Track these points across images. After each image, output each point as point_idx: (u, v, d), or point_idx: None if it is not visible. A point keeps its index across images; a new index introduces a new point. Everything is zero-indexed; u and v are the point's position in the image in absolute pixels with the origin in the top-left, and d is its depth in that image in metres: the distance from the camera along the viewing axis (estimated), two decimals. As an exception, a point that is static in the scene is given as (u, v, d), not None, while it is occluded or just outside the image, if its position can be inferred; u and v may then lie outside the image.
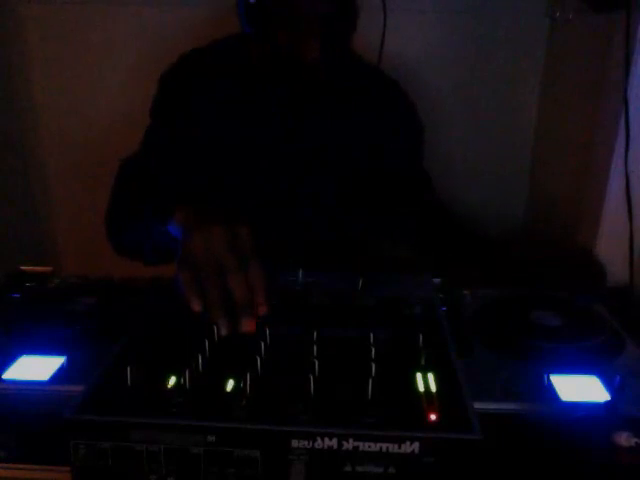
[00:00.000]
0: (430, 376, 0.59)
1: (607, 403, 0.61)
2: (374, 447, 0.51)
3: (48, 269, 0.96)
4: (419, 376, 0.59)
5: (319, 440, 0.51)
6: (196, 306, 0.69)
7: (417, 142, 1.13)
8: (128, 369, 0.57)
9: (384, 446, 0.51)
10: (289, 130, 1.02)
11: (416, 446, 0.50)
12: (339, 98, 1.03)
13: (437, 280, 0.87)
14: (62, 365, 0.68)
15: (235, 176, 1.02)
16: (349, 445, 0.51)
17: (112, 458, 0.52)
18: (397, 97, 1.10)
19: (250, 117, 1.01)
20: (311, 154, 1.03)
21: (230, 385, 0.57)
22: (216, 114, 1.00)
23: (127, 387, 0.56)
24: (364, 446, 0.51)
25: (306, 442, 0.51)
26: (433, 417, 0.53)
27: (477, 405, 0.56)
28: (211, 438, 0.52)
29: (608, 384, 0.65)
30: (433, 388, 0.57)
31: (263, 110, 1.01)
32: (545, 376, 0.65)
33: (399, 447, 0.50)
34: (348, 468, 0.51)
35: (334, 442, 0.51)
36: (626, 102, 0.97)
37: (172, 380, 0.58)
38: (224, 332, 0.67)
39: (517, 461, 0.59)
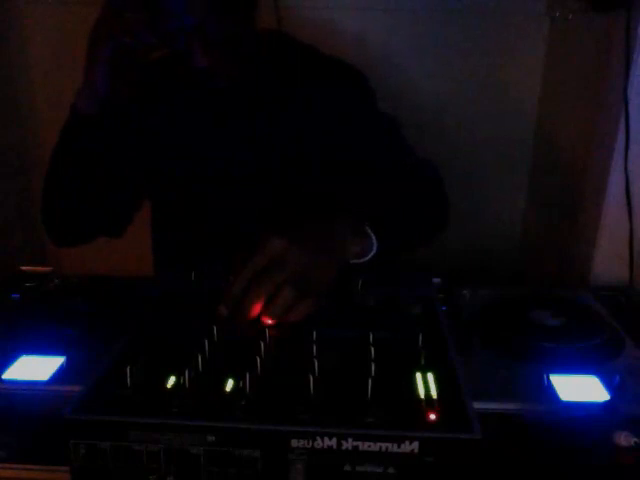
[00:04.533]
0: (430, 376, 0.59)
1: (607, 403, 0.61)
2: (374, 447, 0.51)
3: (48, 269, 0.96)
4: (419, 376, 0.59)
5: (319, 440, 0.51)
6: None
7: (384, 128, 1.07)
8: (128, 369, 0.57)
9: (384, 446, 0.51)
10: (249, 136, 1.00)
11: (416, 446, 0.50)
12: (298, 94, 1.00)
13: (437, 280, 0.87)
14: (62, 365, 0.68)
15: (206, 192, 1.02)
16: (349, 445, 0.51)
17: (112, 458, 0.52)
18: (360, 84, 1.05)
19: (207, 129, 1.00)
20: (283, 152, 1.01)
21: (230, 385, 0.57)
22: (172, 129, 1.00)
23: (127, 387, 0.56)
24: (364, 446, 0.51)
25: (306, 442, 0.51)
26: (433, 417, 0.53)
27: (477, 405, 0.56)
28: (211, 438, 0.52)
29: (608, 384, 0.65)
30: (433, 388, 0.57)
31: (219, 119, 1.00)
32: (545, 376, 0.65)
33: (399, 447, 0.50)
34: (348, 468, 0.51)
35: (334, 442, 0.51)
36: (626, 102, 0.97)
37: (172, 380, 0.58)
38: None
39: (517, 461, 0.59)
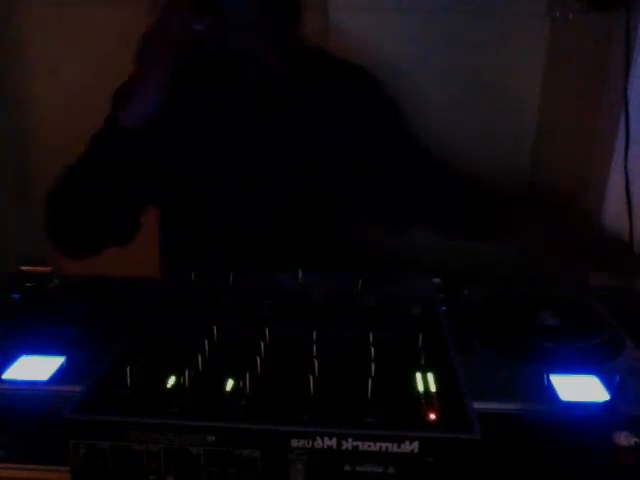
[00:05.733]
0: (430, 376, 0.59)
1: (607, 403, 0.61)
2: (374, 447, 0.51)
3: (48, 269, 0.96)
4: (419, 376, 0.59)
5: (319, 440, 0.51)
6: None
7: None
8: (128, 369, 0.57)
9: (384, 446, 0.51)
10: (264, 138, 1.01)
11: (416, 446, 0.50)
12: (311, 96, 1.01)
13: (437, 280, 0.87)
14: (62, 365, 0.68)
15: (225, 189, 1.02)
16: (349, 445, 0.51)
17: (112, 458, 0.52)
18: (371, 87, 1.08)
19: (225, 131, 1.00)
20: (296, 155, 1.02)
21: (230, 385, 0.57)
22: (194, 131, 0.99)
23: (127, 387, 0.56)
24: (364, 446, 0.51)
25: (306, 442, 0.51)
26: (433, 417, 0.53)
27: (477, 405, 0.56)
28: (211, 438, 0.52)
29: (608, 384, 0.65)
30: (433, 388, 0.57)
31: (237, 121, 1.00)
32: (545, 376, 0.65)
33: (399, 447, 0.50)
34: (348, 468, 0.51)
35: (334, 442, 0.51)
36: (626, 102, 0.97)
37: (172, 380, 0.58)
38: None
39: (517, 461, 0.59)
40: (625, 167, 1.00)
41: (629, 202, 1.01)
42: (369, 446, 0.51)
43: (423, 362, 0.61)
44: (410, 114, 1.07)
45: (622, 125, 0.99)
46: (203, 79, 0.95)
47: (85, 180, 0.93)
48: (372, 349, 0.63)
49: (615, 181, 1.03)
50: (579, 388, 0.64)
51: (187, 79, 0.97)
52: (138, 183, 0.95)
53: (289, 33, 0.95)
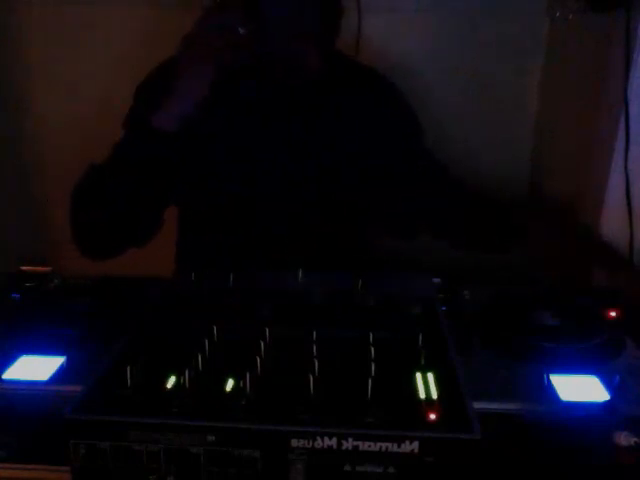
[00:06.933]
0: (430, 376, 0.59)
1: (607, 403, 0.61)
2: (374, 447, 0.51)
3: (48, 269, 0.96)
4: (419, 376, 0.59)
5: (319, 440, 0.51)
6: None
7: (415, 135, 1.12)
8: (128, 369, 0.57)
9: (384, 446, 0.51)
10: (287, 140, 1.02)
11: (416, 446, 0.50)
12: (335, 99, 1.03)
13: (437, 280, 0.87)
14: (62, 365, 0.68)
15: (235, 188, 1.02)
16: (349, 445, 0.51)
17: (112, 458, 0.52)
18: (394, 94, 1.10)
19: (253, 132, 1.00)
20: (313, 157, 1.03)
21: (230, 385, 0.57)
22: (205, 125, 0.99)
23: (127, 387, 0.56)
24: (364, 445, 0.51)
25: (306, 442, 0.51)
26: (433, 417, 0.53)
27: (477, 405, 0.56)
28: (211, 438, 0.52)
29: (608, 384, 0.65)
30: (433, 388, 0.57)
31: (263, 123, 1.00)
32: (545, 376, 0.65)
33: (399, 447, 0.50)
34: (348, 468, 0.51)
35: (334, 442, 0.51)
36: (626, 102, 0.97)
37: (172, 380, 0.58)
38: None
39: (517, 461, 0.59)
40: (625, 168, 1.00)
41: (629, 203, 1.02)
42: (369, 446, 0.51)
43: (423, 362, 0.61)
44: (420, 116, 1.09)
45: (622, 126, 0.99)
46: (238, 82, 0.95)
47: (114, 181, 0.92)
48: (372, 349, 0.63)
49: (615, 181, 1.03)
50: (579, 388, 0.64)
51: (223, 82, 0.96)
52: (167, 184, 0.94)
53: (329, 36, 0.97)
